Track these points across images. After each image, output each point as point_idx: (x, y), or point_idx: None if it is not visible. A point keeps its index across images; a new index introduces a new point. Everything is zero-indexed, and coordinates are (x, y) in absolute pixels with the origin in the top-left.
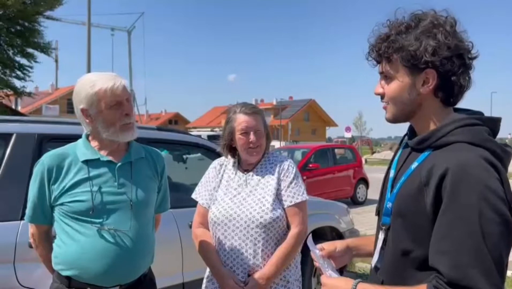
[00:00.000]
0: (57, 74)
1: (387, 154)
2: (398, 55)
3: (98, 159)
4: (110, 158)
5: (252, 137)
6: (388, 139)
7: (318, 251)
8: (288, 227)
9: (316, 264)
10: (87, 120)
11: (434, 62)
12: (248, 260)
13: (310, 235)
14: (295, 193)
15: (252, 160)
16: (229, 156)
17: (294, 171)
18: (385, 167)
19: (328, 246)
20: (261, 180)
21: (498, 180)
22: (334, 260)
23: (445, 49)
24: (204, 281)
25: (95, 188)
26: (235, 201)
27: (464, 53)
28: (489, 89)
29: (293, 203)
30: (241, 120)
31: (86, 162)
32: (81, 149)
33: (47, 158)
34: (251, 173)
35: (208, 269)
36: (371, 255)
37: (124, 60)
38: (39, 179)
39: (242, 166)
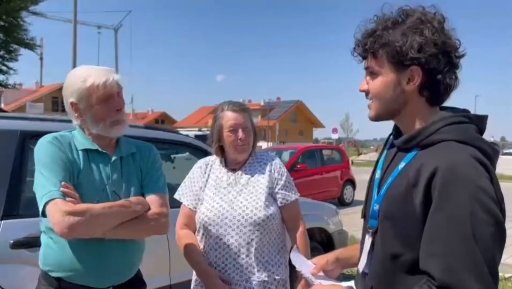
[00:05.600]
0: (42, 72)
1: (373, 156)
2: (384, 50)
3: (97, 150)
4: (106, 151)
5: (240, 134)
6: (373, 141)
7: (306, 266)
8: (281, 226)
9: (303, 275)
10: (76, 114)
11: (419, 59)
12: (241, 259)
13: (294, 248)
14: (291, 191)
15: (240, 158)
16: (217, 156)
17: (285, 170)
18: (372, 169)
19: (319, 260)
20: (251, 179)
21: (489, 179)
22: (326, 274)
23: (432, 46)
24: (192, 284)
25: (98, 180)
26: (226, 200)
27: (451, 51)
28: (473, 92)
29: (291, 200)
30: (229, 117)
31: (84, 151)
32: (78, 138)
33: (54, 138)
34: (239, 172)
35: (194, 272)
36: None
37: (110, 59)
38: (54, 154)
39: (229, 166)
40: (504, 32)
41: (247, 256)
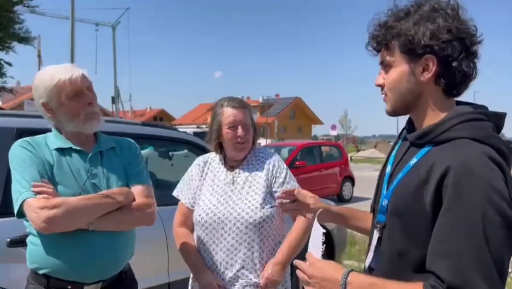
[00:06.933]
0: (40, 69)
1: (372, 152)
2: (396, 41)
3: (70, 147)
4: (81, 147)
5: (240, 131)
6: (372, 137)
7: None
8: (280, 226)
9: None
10: (49, 114)
11: (432, 46)
12: (237, 261)
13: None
14: (292, 187)
15: (239, 156)
16: (216, 153)
17: (285, 166)
18: (371, 165)
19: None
20: (249, 178)
21: (503, 179)
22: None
23: (445, 32)
24: (190, 281)
25: (76, 175)
26: (221, 202)
27: (466, 37)
28: (472, 88)
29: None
30: (228, 113)
31: (59, 150)
32: (52, 139)
33: (23, 141)
34: (237, 170)
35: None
36: (356, 229)
37: (108, 56)
38: (24, 156)
39: (228, 163)
40: (503, 28)
41: (241, 258)
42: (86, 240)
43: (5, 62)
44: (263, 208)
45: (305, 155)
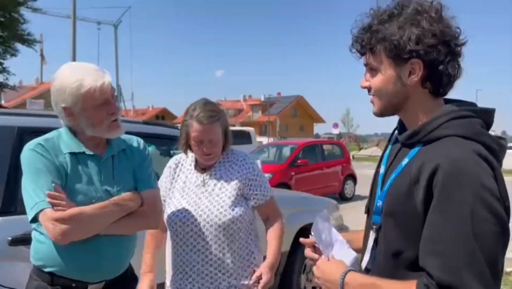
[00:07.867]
0: (42, 68)
1: (374, 150)
2: (381, 45)
3: (84, 152)
4: (94, 152)
5: (205, 147)
6: (374, 135)
7: (329, 234)
8: (252, 228)
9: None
10: (69, 118)
11: (418, 51)
12: (208, 264)
13: (325, 212)
14: (265, 190)
15: (207, 164)
16: (187, 154)
17: (258, 168)
18: (373, 163)
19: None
20: (220, 180)
21: (492, 176)
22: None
23: (430, 37)
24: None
25: (89, 180)
26: (191, 204)
27: (450, 40)
28: (474, 86)
29: (266, 199)
30: (195, 128)
31: (72, 154)
32: (65, 140)
33: (37, 145)
34: (208, 172)
35: (168, 277)
36: (356, 251)
37: (110, 54)
38: (38, 162)
39: (199, 165)
40: (505, 27)
41: (213, 260)
42: (94, 243)
43: (11, 53)
44: (233, 210)
45: (307, 154)
